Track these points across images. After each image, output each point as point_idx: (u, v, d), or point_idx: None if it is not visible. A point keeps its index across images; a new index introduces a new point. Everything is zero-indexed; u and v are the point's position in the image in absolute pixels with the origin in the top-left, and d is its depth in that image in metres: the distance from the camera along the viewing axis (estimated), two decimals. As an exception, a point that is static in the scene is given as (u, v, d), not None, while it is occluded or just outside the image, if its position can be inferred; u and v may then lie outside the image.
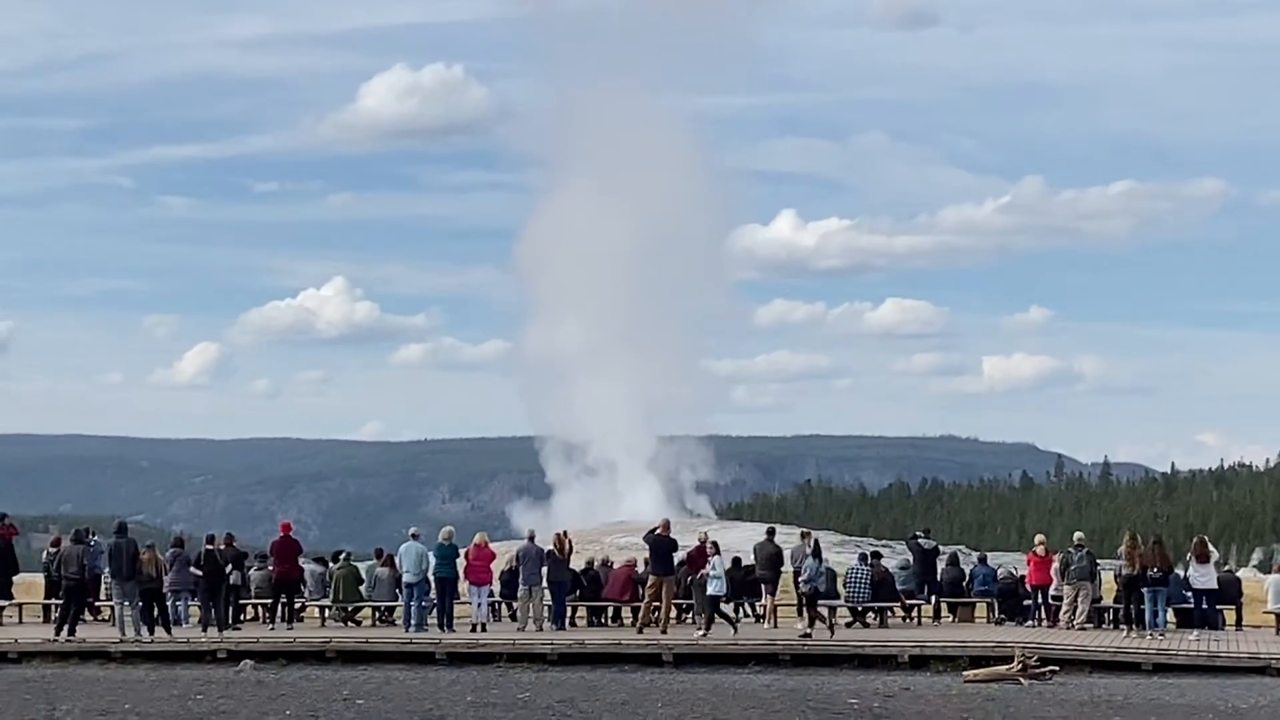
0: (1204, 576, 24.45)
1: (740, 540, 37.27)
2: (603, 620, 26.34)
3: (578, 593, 25.68)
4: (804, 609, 23.56)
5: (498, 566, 25.67)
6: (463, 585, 25.04)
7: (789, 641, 22.20)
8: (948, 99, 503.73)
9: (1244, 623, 25.30)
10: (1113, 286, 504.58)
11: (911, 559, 27.04)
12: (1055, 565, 24.76)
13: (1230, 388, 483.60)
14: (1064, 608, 24.22)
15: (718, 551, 24.07)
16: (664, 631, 23.48)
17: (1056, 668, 20.14)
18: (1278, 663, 20.38)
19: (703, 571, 23.78)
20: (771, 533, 25.92)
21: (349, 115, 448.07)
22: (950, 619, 26.48)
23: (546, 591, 24.75)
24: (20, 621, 27.09)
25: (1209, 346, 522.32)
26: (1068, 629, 23.70)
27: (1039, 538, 26.55)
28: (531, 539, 25.27)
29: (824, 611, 24.04)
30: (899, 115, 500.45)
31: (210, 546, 24.95)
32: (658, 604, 23.81)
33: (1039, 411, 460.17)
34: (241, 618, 25.91)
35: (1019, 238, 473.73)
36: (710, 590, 23.43)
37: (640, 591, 24.80)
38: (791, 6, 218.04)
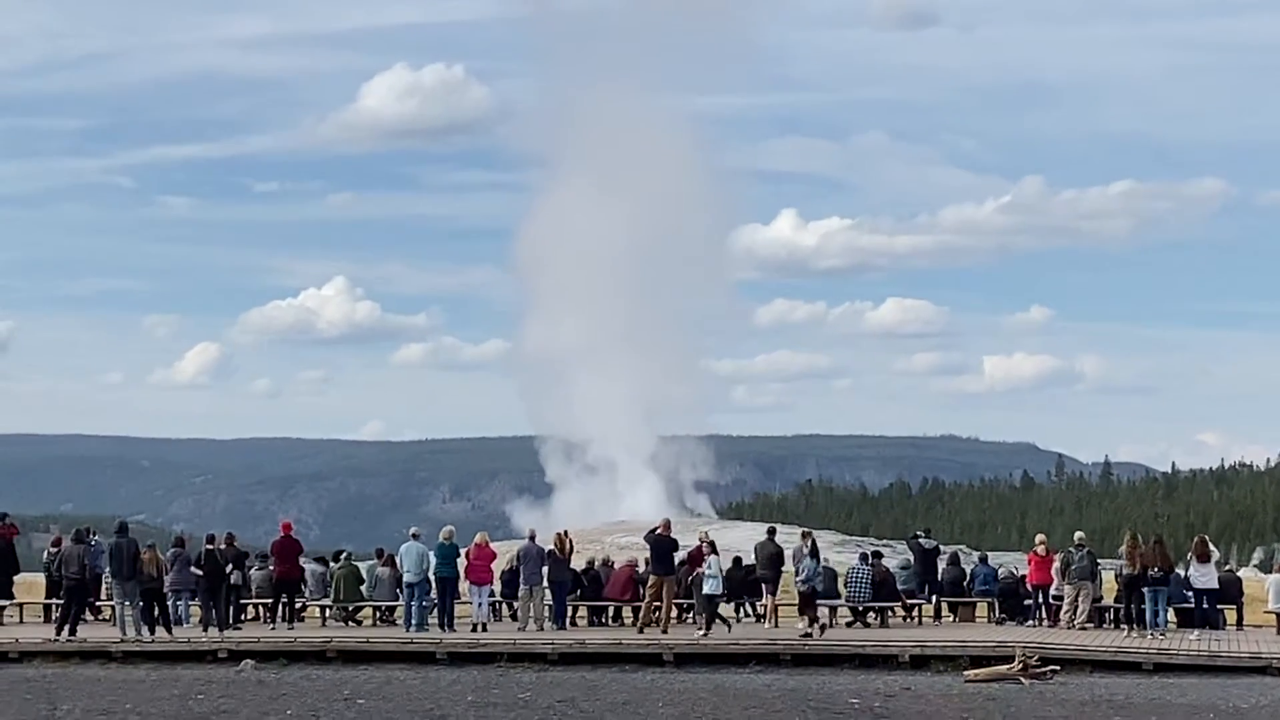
0: (1205, 576, 24.43)
1: (741, 540, 37.36)
2: (603, 620, 26.33)
3: (578, 592, 25.68)
4: (803, 609, 23.57)
5: (498, 566, 25.66)
6: (463, 585, 25.05)
7: (790, 641, 22.19)
8: (948, 99, 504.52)
9: (1245, 622, 25.29)
10: (1113, 286, 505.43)
11: (912, 559, 27.02)
12: (1056, 565, 24.74)
13: (1230, 388, 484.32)
14: (1065, 607, 24.19)
15: (714, 551, 24.06)
16: (665, 631, 23.46)
17: (1057, 667, 20.13)
18: (1279, 662, 20.37)
19: (699, 571, 23.80)
20: (772, 532, 25.92)
21: (349, 115, 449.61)
22: (951, 619, 26.46)
23: (547, 591, 24.75)
24: (21, 621, 27.09)
25: (1209, 346, 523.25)
26: (1068, 629, 23.68)
27: (1040, 537, 26.58)
28: (532, 539, 25.27)
29: (820, 611, 24.00)
30: (899, 115, 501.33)
31: (211, 546, 24.93)
32: (658, 604, 23.80)
33: (1039, 411, 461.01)
34: (242, 617, 25.90)
35: (1019, 237, 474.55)
36: (706, 589, 23.41)
37: (641, 591, 24.78)
38: (791, 6, 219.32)
